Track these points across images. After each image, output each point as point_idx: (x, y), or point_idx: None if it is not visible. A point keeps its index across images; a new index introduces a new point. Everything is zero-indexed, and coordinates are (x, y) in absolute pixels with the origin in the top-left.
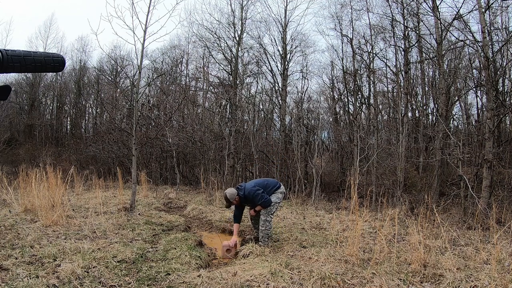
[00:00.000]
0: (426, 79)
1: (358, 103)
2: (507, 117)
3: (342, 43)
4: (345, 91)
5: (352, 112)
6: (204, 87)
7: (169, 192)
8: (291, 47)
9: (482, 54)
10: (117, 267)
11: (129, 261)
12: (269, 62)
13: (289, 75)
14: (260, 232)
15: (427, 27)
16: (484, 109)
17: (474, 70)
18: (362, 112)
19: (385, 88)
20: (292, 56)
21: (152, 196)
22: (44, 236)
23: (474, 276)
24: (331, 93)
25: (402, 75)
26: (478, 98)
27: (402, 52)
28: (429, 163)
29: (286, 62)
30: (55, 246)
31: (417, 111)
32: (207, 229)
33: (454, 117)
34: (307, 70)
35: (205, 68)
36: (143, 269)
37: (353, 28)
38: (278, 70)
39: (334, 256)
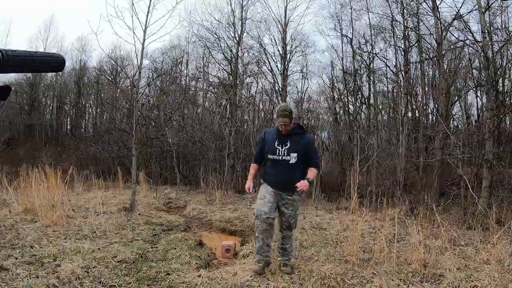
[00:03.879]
0: (426, 79)
1: (358, 103)
2: (507, 117)
3: (342, 43)
4: (345, 91)
5: (352, 112)
6: (204, 87)
7: (169, 192)
8: (291, 47)
9: (482, 54)
10: (117, 267)
11: (129, 261)
12: (269, 62)
13: (289, 75)
14: (290, 246)
15: (427, 27)
16: (484, 109)
17: (474, 70)
18: (362, 112)
19: (385, 88)
20: (292, 56)
21: (152, 196)
22: (44, 236)
23: (474, 276)
24: (331, 93)
25: (402, 75)
26: (478, 98)
27: (402, 52)
28: (429, 163)
29: (286, 62)
30: (55, 246)
31: (417, 111)
32: (207, 229)
33: (454, 117)
34: (307, 70)
35: (205, 68)
36: (143, 269)
37: (353, 28)
38: (278, 70)
39: (334, 256)
